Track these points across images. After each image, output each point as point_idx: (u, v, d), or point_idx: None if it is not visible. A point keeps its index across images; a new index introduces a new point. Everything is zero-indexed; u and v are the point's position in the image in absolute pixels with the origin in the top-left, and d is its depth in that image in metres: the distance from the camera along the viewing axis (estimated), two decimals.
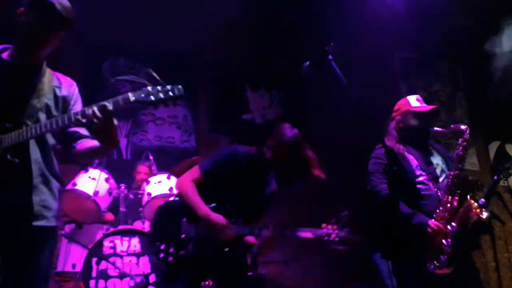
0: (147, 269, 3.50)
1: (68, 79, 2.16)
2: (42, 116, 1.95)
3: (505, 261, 5.29)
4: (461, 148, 2.63)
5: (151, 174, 4.25)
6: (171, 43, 5.55)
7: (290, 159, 2.53)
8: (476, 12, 4.83)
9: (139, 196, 4.00)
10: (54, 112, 2.01)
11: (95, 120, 1.76)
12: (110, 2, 4.87)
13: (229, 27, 5.68)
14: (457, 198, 2.55)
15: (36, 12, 1.90)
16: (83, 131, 2.07)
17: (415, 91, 3.03)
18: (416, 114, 2.77)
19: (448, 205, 2.55)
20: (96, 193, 3.76)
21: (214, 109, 5.77)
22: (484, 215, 2.45)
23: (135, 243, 3.59)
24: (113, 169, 4.12)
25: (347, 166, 5.38)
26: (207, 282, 3.26)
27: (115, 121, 1.81)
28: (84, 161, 2.10)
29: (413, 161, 2.69)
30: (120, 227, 3.75)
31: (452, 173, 2.59)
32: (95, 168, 3.96)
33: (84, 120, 1.78)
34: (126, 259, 3.52)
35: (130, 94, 1.78)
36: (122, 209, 3.94)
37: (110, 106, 1.76)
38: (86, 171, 3.92)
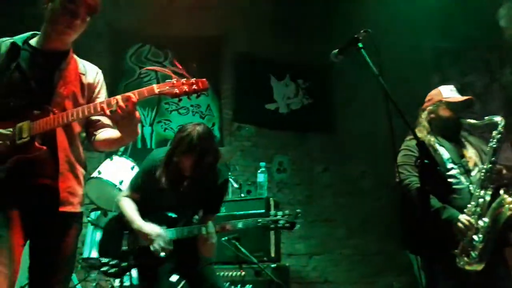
0: None
1: (93, 66, 2.18)
2: (69, 104, 1.97)
3: None
4: (495, 141, 2.54)
5: None
6: (195, 31, 5.54)
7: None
8: None
9: None
10: (80, 100, 2.03)
11: (119, 110, 1.79)
12: None
13: (254, 14, 5.64)
14: (490, 192, 2.47)
15: None
16: (105, 120, 2.10)
17: (447, 81, 2.92)
18: (449, 104, 2.69)
19: (480, 199, 2.46)
20: (121, 181, 3.80)
21: (238, 98, 5.74)
22: None
23: None
24: (137, 157, 4.15)
25: (376, 158, 5.30)
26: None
27: (138, 113, 1.85)
28: (103, 150, 2.12)
29: (444, 153, 2.62)
30: None
31: (485, 166, 2.50)
32: (120, 156, 4.01)
33: (108, 110, 1.81)
34: None
35: (155, 86, 1.81)
36: None
37: (135, 97, 1.79)
38: (111, 159, 3.97)
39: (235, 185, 4.48)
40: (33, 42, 2.01)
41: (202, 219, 2.72)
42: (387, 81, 1.89)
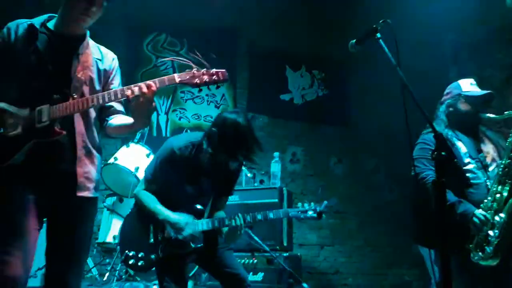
0: None
1: (110, 52, 2.17)
2: (86, 89, 1.98)
3: None
4: None
5: None
6: (211, 21, 5.53)
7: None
8: None
9: None
10: (97, 86, 2.03)
11: (141, 98, 1.81)
12: None
13: (271, 5, 5.60)
14: (507, 188, 2.42)
15: None
16: (119, 106, 2.11)
17: (465, 75, 2.87)
18: (468, 98, 2.65)
19: (497, 195, 2.43)
20: (137, 168, 3.85)
21: (253, 88, 5.73)
22: None
23: None
24: (152, 145, 4.19)
25: (390, 151, 5.26)
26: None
27: (154, 102, 1.86)
28: (114, 135, 2.13)
29: (461, 147, 2.59)
30: None
31: (503, 162, 2.46)
32: (136, 143, 4.05)
33: (131, 97, 1.82)
34: None
35: (176, 75, 1.83)
36: None
37: (155, 86, 1.81)
38: (128, 146, 4.01)
39: (249, 175, 4.50)
40: (50, 25, 1.99)
41: (217, 202, 2.70)
42: (404, 74, 1.87)
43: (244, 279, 2.58)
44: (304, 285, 3.50)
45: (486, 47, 4.98)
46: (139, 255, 2.50)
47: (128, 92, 1.83)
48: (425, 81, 4.07)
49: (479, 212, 2.40)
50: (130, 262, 2.51)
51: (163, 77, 1.84)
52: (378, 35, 1.93)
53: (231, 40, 5.74)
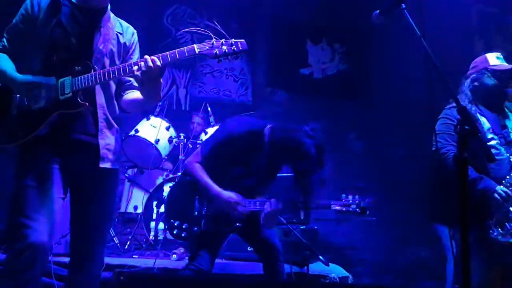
0: None
1: (130, 26, 2.18)
2: (107, 62, 2.01)
3: None
4: None
5: (207, 124, 4.34)
6: None
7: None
8: None
9: (197, 145, 4.10)
10: (117, 59, 2.06)
11: (146, 74, 1.83)
12: None
13: None
14: None
15: None
16: (135, 82, 2.11)
17: (492, 49, 2.77)
18: (495, 73, 2.58)
19: None
20: (157, 141, 3.90)
21: (272, 62, 5.67)
22: None
23: None
24: (172, 118, 4.22)
25: (410, 127, 5.18)
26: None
27: (161, 80, 1.90)
28: (127, 111, 2.15)
29: (485, 123, 2.54)
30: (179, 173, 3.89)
31: None
32: (156, 116, 4.09)
33: (143, 68, 1.83)
34: None
35: (195, 46, 1.83)
36: (181, 157, 4.07)
37: (159, 61, 1.83)
38: (148, 118, 4.05)
39: None
40: None
41: (264, 184, 2.69)
42: (429, 47, 1.82)
43: (280, 252, 2.64)
44: (321, 257, 3.52)
45: None
46: (183, 226, 2.54)
47: (135, 68, 1.84)
48: (451, 54, 3.96)
49: (500, 188, 2.37)
50: (175, 232, 2.55)
51: (182, 48, 1.84)
52: (403, 5, 1.88)
53: (251, 13, 5.66)
